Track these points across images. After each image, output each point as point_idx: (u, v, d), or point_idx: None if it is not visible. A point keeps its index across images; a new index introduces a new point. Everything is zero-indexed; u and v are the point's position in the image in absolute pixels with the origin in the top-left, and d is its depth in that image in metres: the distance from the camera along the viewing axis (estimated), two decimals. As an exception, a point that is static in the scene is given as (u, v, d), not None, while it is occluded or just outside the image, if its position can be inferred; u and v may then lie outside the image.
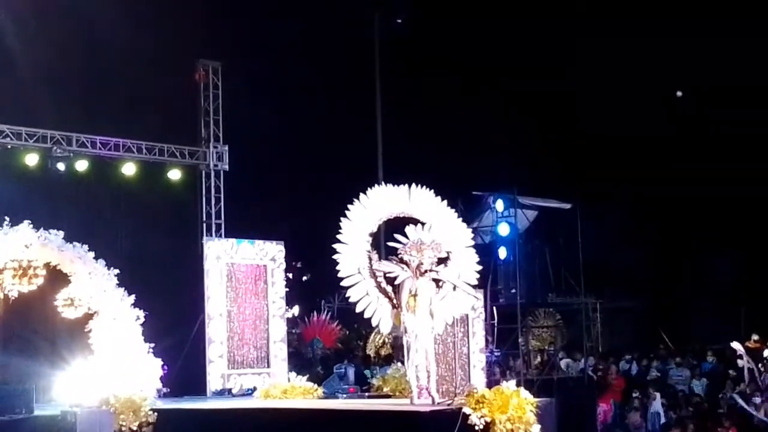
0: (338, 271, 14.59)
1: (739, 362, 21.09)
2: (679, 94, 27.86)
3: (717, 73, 25.55)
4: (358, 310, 14.67)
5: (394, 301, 14.50)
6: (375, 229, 15.02)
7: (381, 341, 18.81)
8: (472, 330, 19.19)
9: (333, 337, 23.02)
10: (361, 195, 14.87)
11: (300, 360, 22.18)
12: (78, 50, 20.22)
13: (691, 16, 24.82)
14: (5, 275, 16.74)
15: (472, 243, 15.07)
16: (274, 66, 24.28)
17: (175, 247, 20.75)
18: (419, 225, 14.59)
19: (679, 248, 26.84)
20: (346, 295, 14.79)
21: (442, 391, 15.45)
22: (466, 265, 14.74)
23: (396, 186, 14.91)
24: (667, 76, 27.60)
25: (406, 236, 14.46)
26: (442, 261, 14.55)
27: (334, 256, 14.59)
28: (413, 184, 14.78)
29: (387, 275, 14.49)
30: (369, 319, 14.87)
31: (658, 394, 21.27)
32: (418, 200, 14.79)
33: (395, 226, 14.95)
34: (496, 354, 22.39)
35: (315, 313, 23.87)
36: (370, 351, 20.27)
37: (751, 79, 24.86)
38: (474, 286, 15.09)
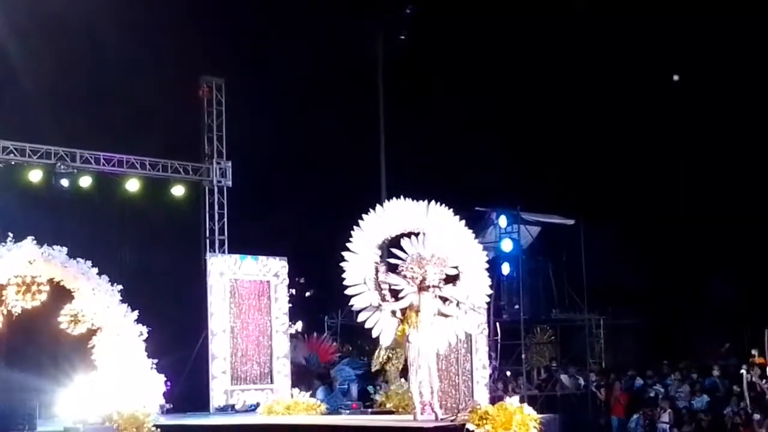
0: (342, 286, 14.51)
1: (746, 377, 21.04)
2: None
3: (718, 80, 25.57)
4: (359, 319, 14.55)
5: (398, 314, 14.44)
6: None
7: (386, 356, 18.76)
8: (476, 346, 19.16)
9: (329, 354, 23.02)
10: (377, 207, 14.74)
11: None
12: (82, 67, 20.28)
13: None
14: (9, 291, 16.76)
15: (487, 265, 14.95)
16: (276, 82, 24.27)
17: (178, 263, 20.76)
18: (413, 237, 14.45)
19: (682, 265, 26.75)
20: (350, 304, 14.68)
21: (446, 407, 15.42)
22: (477, 287, 14.66)
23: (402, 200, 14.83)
24: (672, 88, 27.59)
25: (404, 251, 14.38)
26: (452, 279, 14.48)
27: (342, 264, 14.46)
28: (428, 201, 14.61)
29: (392, 287, 14.41)
30: (372, 335, 14.81)
31: (670, 410, 21.24)
32: (434, 217, 14.65)
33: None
34: (498, 369, 22.36)
35: (315, 333, 23.88)
36: (376, 366, 20.16)
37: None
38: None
